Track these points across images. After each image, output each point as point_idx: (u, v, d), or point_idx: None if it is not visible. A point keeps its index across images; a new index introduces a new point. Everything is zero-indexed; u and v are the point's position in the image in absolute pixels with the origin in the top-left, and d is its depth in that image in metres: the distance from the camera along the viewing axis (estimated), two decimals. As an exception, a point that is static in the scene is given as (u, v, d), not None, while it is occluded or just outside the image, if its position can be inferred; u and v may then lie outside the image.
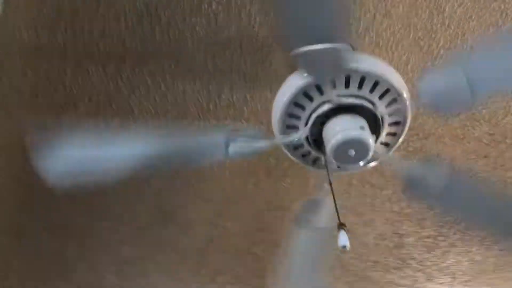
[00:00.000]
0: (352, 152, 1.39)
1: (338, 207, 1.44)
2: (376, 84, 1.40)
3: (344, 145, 1.38)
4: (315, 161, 1.64)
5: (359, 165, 1.46)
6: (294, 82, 1.45)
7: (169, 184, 2.34)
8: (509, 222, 1.69)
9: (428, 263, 2.91)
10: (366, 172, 2.27)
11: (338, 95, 1.42)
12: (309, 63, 1.32)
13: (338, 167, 1.57)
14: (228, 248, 2.76)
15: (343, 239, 1.27)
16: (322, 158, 1.56)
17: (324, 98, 1.43)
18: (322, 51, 1.23)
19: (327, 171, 1.50)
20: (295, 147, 1.58)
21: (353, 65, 1.36)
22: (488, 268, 2.95)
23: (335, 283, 3.02)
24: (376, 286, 3.10)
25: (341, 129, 1.39)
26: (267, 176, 2.30)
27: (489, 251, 2.80)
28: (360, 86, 1.40)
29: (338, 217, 1.35)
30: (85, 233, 2.62)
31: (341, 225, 1.29)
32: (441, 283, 3.10)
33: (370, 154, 1.39)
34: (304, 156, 1.61)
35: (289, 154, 1.62)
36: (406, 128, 1.56)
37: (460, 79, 1.29)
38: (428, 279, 3.06)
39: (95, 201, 2.43)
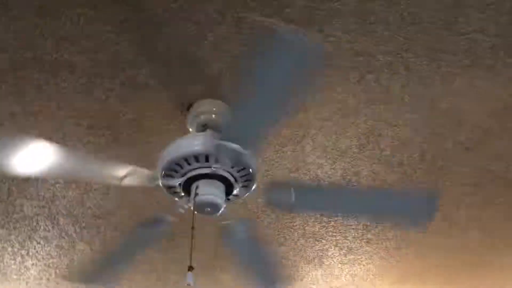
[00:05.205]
0: (208, 209, 1.84)
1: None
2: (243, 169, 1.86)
3: (202, 205, 1.82)
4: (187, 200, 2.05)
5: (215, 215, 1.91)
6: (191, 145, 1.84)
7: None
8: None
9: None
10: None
11: (213, 167, 1.83)
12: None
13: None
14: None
15: (189, 278, 1.71)
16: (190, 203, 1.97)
17: (202, 165, 1.84)
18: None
19: (193, 216, 1.91)
20: (170, 188, 1.97)
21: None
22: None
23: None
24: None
25: (202, 192, 1.81)
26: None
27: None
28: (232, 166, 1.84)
29: (190, 260, 1.78)
30: None
31: (190, 267, 1.73)
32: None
33: (220, 211, 1.87)
34: (177, 196, 2.01)
35: (166, 192, 2.01)
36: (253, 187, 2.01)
37: None
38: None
39: None
